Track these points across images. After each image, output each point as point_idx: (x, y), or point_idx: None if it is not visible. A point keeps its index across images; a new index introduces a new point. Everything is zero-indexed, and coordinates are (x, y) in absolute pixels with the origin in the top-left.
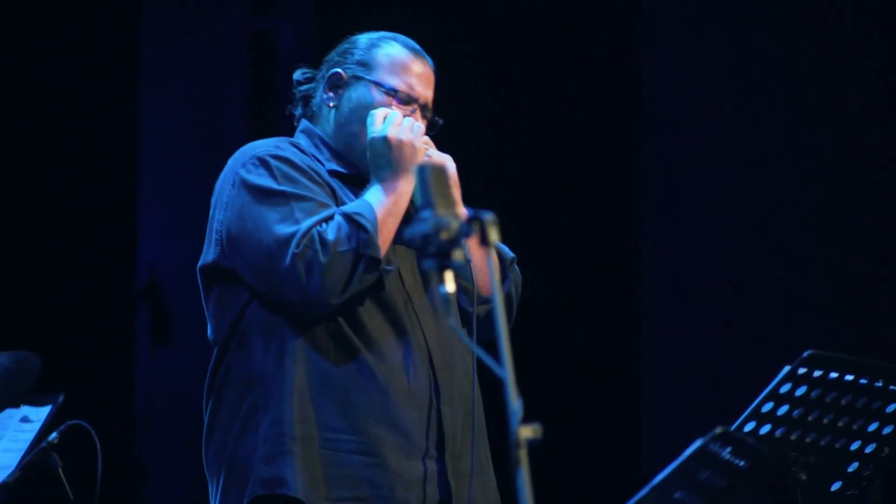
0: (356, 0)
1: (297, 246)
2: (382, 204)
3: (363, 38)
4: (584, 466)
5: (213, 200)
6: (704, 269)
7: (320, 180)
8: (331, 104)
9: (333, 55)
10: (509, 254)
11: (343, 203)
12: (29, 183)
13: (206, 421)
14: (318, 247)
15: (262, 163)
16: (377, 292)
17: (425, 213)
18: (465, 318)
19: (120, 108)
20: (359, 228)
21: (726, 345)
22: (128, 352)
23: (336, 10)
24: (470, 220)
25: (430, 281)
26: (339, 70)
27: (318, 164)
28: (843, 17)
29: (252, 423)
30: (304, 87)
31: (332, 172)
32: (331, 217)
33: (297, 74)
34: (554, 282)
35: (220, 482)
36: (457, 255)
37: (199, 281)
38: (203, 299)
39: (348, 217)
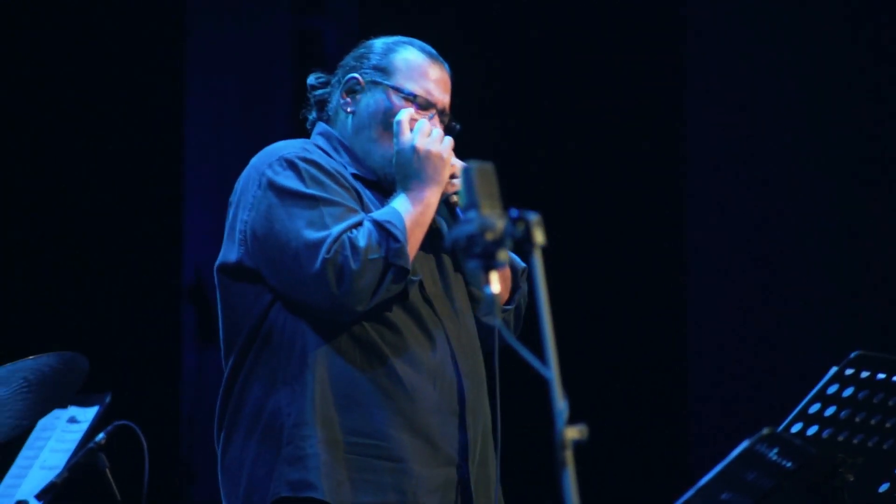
0: None
1: (328, 251)
2: (410, 213)
3: (379, 43)
4: (632, 468)
5: (233, 199)
6: (750, 270)
7: (347, 184)
8: (348, 109)
9: (349, 60)
10: (520, 264)
11: (368, 208)
12: (75, 185)
13: (225, 421)
14: (349, 253)
15: (290, 164)
16: (401, 300)
17: (470, 214)
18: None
19: (165, 109)
20: (389, 237)
21: (773, 346)
22: (174, 352)
23: (380, 8)
24: (515, 221)
25: (450, 288)
26: (356, 75)
27: (341, 167)
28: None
29: (276, 425)
30: (318, 92)
31: (355, 176)
32: (360, 223)
33: (311, 79)
34: (599, 284)
35: (243, 483)
36: (501, 255)
37: (216, 280)
38: (218, 299)
39: (379, 225)
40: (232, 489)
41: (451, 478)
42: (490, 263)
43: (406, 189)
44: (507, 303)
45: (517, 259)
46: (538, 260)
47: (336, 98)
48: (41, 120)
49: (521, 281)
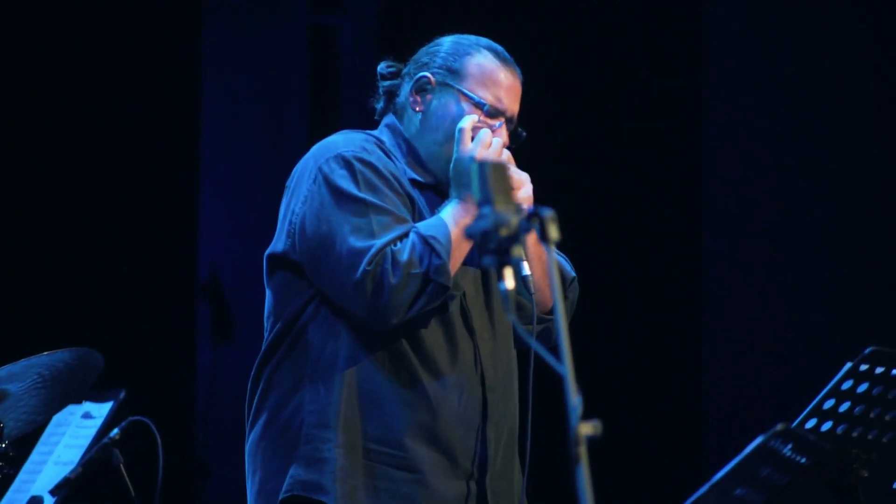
0: None
1: (370, 263)
2: (458, 225)
3: (453, 42)
4: (646, 464)
5: (289, 184)
6: (765, 267)
7: (401, 190)
8: (417, 108)
9: (421, 54)
10: (571, 272)
11: (421, 214)
12: (91, 181)
13: (252, 406)
14: (390, 266)
15: (347, 164)
16: (440, 314)
17: (484, 210)
18: (517, 339)
19: (181, 105)
20: (433, 252)
21: (787, 342)
22: (189, 348)
23: (398, 4)
24: (529, 217)
25: (492, 299)
26: (427, 74)
27: (400, 171)
28: None
29: (297, 420)
30: (388, 83)
31: (412, 182)
32: (406, 234)
33: (382, 67)
34: (615, 281)
35: (259, 472)
36: (516, 251)
37: (265, 267)
38: (266, 284)
39: (424, 239)
40: (250, 472)
41: (466, 491)
42: (504, 259)
43: (460, 198)
44: (552, 311)
45: (567, 267)
46: (552, 256)
47: (405, 93)
48: (58, 117)
49: (568, 290)
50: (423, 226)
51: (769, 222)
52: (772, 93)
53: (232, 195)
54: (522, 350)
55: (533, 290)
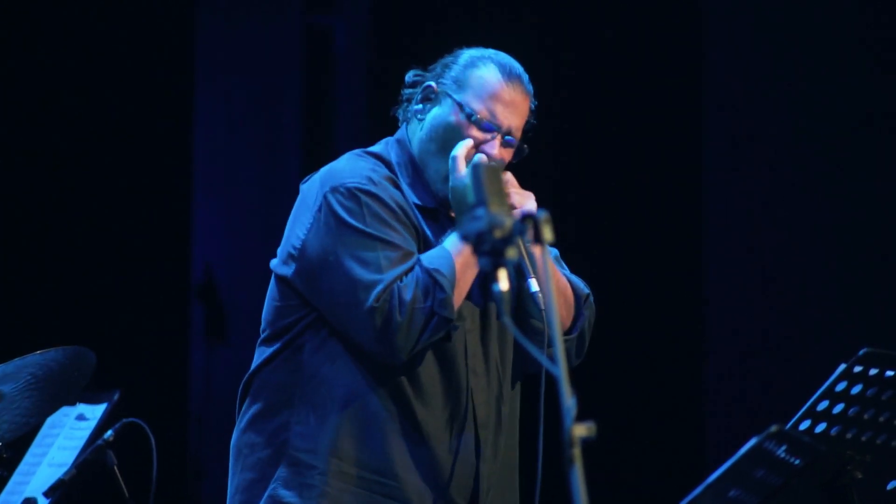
0: None
1: (377, 300)
2: (460, 255)
3: (466, 54)
4: (643, 465)
5: (296, 206)
6: (762, 268)
7: (408, 221)
8: (419, 116)
9: (438, 65)
10: (584, 290)
11: (428, 242)
12: (85, 182)
13: (242, 406)
14: (396, 303)
15: (353, 196)
16: (437, 344)
17: (479, 211)
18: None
19: (175, 106)
20: (436, 286)
21: (782, 343)
22: (183, 350)
23: (391, 6)
24: (523, 219)
25: (489, 332)
26: (432, 84)
27: (404, 200)
28: None
29: (282, 437)
30: (407, 91)
31: (418, 208)
32: (412, 269)
33: (409, 76)
34: (615, 281)
35: (236, 476)
36: (510, 252)
37: (273, 278)
38: (269, 292)
39: (428, 273)
40: (232, 470)
41: None
42: (498, 261)
43: (458, 222)
44: (569, 331)
45: (580, 285)
46: (546, 258)
47: (414, 101)
48: (52, 118)
49: (584, 308)
50: (426, 258)
51: (768, 221)
52: (772, 93)
53: (226, 196)
54: (532, 377)
55: (542, 307)
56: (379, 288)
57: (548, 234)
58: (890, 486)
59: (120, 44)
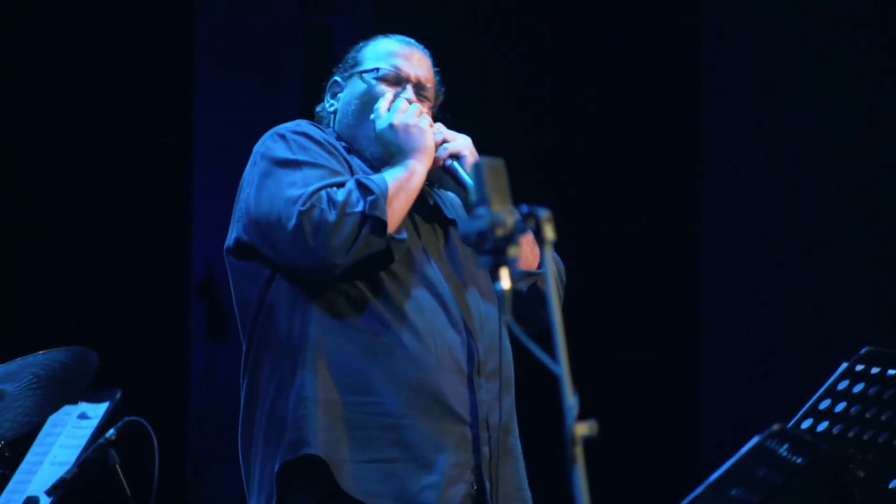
0: None
1: (304, 204)
2: (394, 178)
3: (359, 44)
4: (642, 464)
5: (239, 186)
6: (761, 266)
7: (337, 154)
8: (331, 109)
9: (340, 66)
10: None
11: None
12: (84, 181)
13: (242, 401)
14: (325, 206)
15: (281, 137)
16: (390, 264)
17: (480, 210)
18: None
19: (174, 104)
20: (368, 192)
21: (784, 342)
22: (184, 348)
23: (391, 2)
24: (525, 217)
25: (456, 256)
26: (336, 78)
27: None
28: None
29: (282, 396)
30: (317, 108)
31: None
32: (343, 183)
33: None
34: (611, 280)
35: (258, 460)
36: (512, 251)
37: (226, 263)
38: (230, 283)
39: (360, 183)
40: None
41: (460, 435)
42: (500, 259)
43: (391, 165)
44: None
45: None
46: (548, 256)
47: (323, 104)
48: (50, 116)
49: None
50: (360, 175)
51: (767, 222)
52: (771, 93)
53: (226, 194)
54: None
55: (468, 181)
56: (304, 195)
57: (549, 232)
58: (892, 485)
59: (119, 42)
